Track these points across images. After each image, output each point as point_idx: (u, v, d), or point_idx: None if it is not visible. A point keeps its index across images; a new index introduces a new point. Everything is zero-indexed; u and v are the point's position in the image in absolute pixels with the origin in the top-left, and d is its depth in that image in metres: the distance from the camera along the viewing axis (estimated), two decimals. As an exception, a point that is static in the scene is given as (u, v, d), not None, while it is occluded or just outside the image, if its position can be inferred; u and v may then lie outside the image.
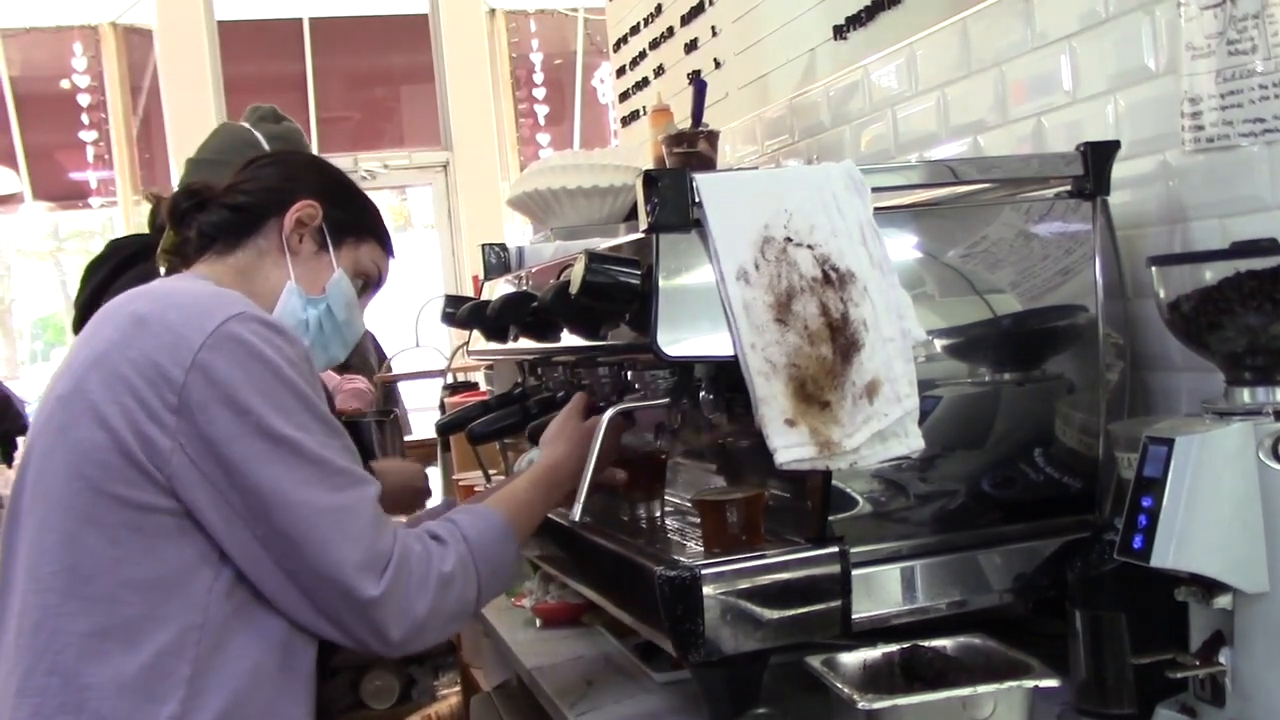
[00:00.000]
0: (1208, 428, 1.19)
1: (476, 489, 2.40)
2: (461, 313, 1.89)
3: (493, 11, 6.88)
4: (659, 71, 3.42)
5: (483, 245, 2.24)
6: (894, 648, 1.31)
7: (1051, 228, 1.51)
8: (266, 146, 2.30)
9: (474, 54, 6.67)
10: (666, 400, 1.49)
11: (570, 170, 2.46)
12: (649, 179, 1.33)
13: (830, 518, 1.36)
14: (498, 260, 2.20)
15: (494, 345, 1.93)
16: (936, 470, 1.43)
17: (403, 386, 4.33)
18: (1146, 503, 1.19)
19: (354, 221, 1.64)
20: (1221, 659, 1.21)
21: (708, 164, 2.35)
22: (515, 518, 1.48)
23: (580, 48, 6.78)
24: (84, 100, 6.82)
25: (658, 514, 1.67)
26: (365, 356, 3.85)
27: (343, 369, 2.75)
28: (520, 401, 1.84)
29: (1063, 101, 1.76)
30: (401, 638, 1.34)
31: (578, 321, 1.54)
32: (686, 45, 3.18)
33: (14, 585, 1.36)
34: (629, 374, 1.59)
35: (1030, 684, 1.18)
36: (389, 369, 4.07)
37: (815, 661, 1.27)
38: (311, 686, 1.44)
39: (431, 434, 3.19)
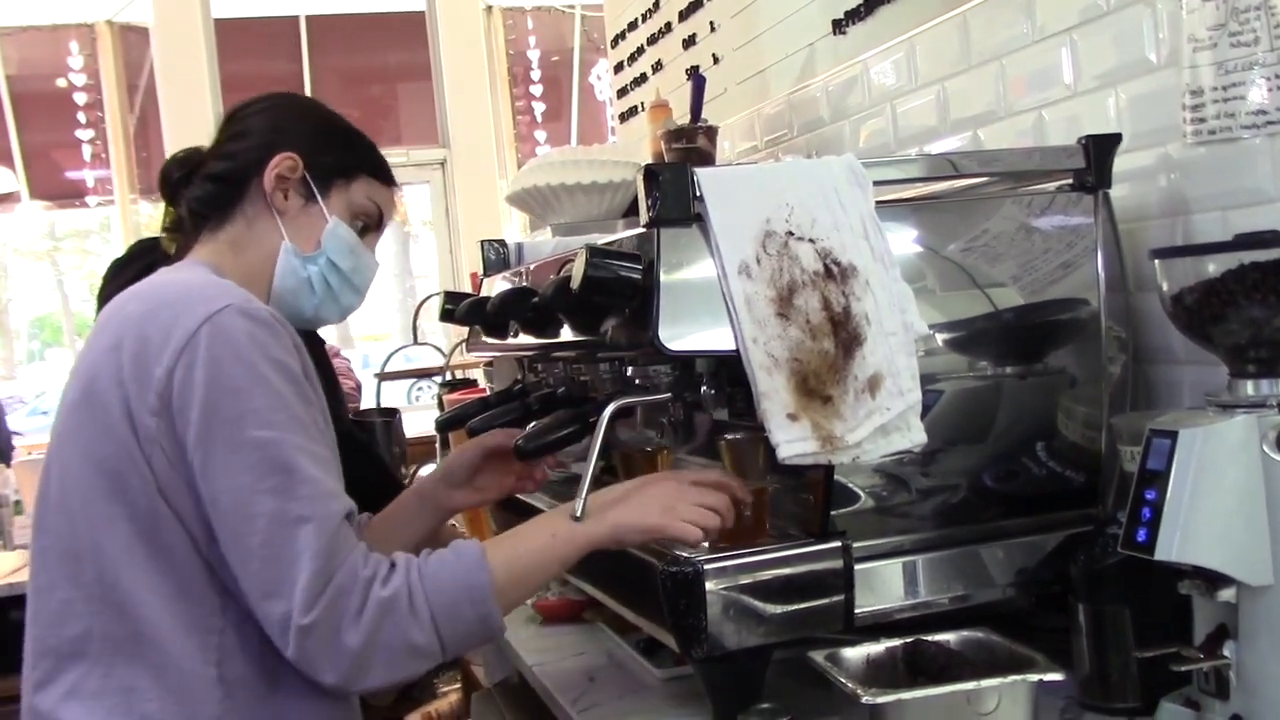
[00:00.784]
0: (1211, 420, 1.19)
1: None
2: (460, 310, 1.88)
3: (490, 8, 6.88)
4: (657, 67, 3.41)
5: (482, 241, 2.23)
6: (897, 642, 1.31)
7: (1053, 221, 1.51)
8: None
9: (471, 51, 6.67)
10: (668, 395, 1.48)
11: (569, 166, 2.46)
12: (650, 173, 1.33)
13: (832, 512, 1.36)
14: (497, 256, 2.19)
15: (494, 342, 1.92)
16: (939, 464, 1.43)
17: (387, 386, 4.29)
18: (1150, 496, 1.19)
19: (340, 163, 1.55)
20: (1225, 652, 1.21)
21: (706, 159, 2.35)
22: (497, 552, 1.34)
23: (578, 44, 6.77)
24: (80, 99, 6.81)
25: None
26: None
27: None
28: (520, 398, 1.83)
29: (1064, 94, 1.75)
30: (338, 675, 1.25)
31: (578, 317, 1.53)
32: (685, 41, 3.18)
33: (51, 594, 1.35)
34: (630, 369, 1.58)
35: (1034, 678, 1.17)
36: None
37: (818, 656, 1.27)
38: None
39: (431, 431, 3.18)
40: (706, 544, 1.35)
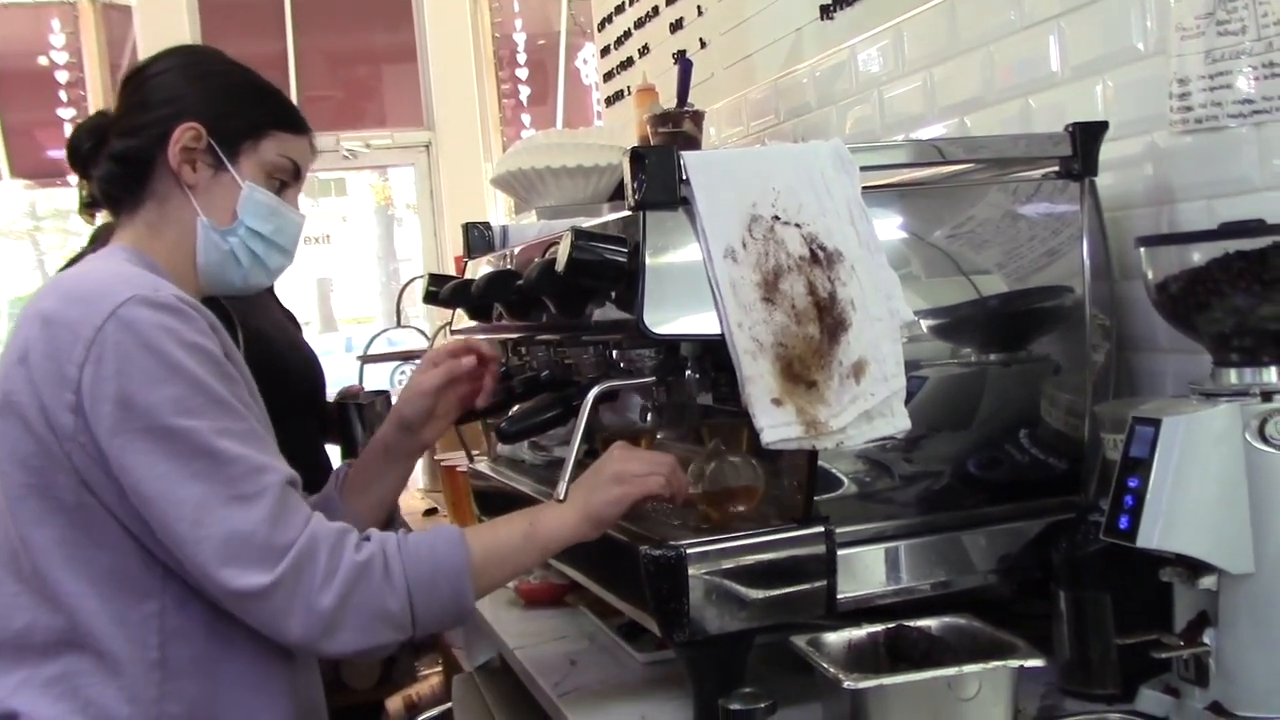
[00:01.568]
0: (1195, 408, 1.19)
1: (459, 469, 2.40)
2: (445, 292, 1.87)
3: (476, -10, 6.84)
4: (644, 51, 3.40)
5: (465, 224, 2.22)
6: (879, 628, 1.31)
7: (1039, 208, 1.50)
8: None
9: (457, 34, 6.63)
10: (652, 379, 1.47)
11: (554, 149, 2.45)
12: (636, 156, 1.32)
13: (816, 498, 1.35)
14: (481, 239, 2.18)
15: (477, 325, 1.92)
16: (922, 451, 1.43)
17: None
18: (1133, 483, 1.19)
19: (246, 123, 1.50)
20: (1205, 639, 1.22)
21: (693, 144, 2.34)
22: (477, 535, 1.39)
23: (564, 27, 6.74)
24: (62, 77, 6.75)
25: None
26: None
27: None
28: (503, 381, 1.82)
29: (1051, 82, 1.75)
30: (305, 633, 1.28)
31: (563, 300, 1.53)
32: (671, 25, 3.16)
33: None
34: (614, 353, 1.58)
35: (1015, 664, 1.17)
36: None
37: (800, 641, 1.27)
38: (289, 670, 1.44)
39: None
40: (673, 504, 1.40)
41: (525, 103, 6.81)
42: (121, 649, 1.32)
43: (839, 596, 1.35)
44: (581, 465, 1.47)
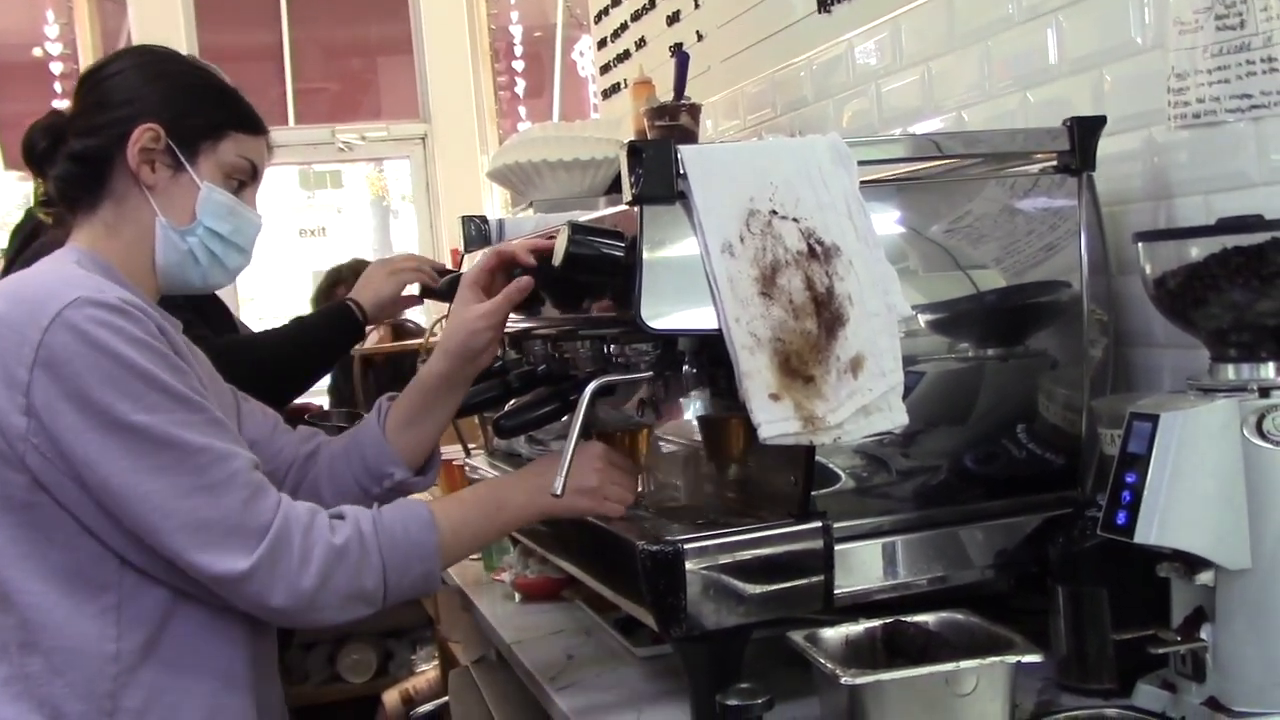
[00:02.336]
0: (1192, 404, 1.19)
1: (456, 464, 2.39)
2: (441, 285, 1.87)
3: (472, -18, 6.82)
4: (640, 44, 3.39)
5: (463, 218, 2.22)
6: (876, 623, 1.31)
7: (1036, 203, 1.50)
8: None
9: (453, 26, 6.61)
10: (650, 374, 1.47)
11: (551, 143, 2.45)
12: (633, 150, 1.32)
13: (813, 493, 1.35)
14: (478, 233, 2.17)
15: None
16: (920, 446, 1.43)
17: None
18: (1130, 479, 1.19)
19: (205, 124, 1.48)
20: (1202, 635, 1.22)
21: (689, 137, 2.34)
22: (446, 514, 1.44)
23: (560, 20, 6.73)
24: (56, 68, 6.72)
25: (640, 488, 1.66)
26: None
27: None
28: (501, 375, 1.82)
29: (1049, 76, 1.75)
30: (286, 604, 1.32)
31: (560, 294, 1.52)
32: (668, 18, 3.16)
33: None
34: (611, 347, 1.58)
35: (1012, 659, 1.17)
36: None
37: (797, 637, 1.27)
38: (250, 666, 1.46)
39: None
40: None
41: (521, 95, 6.79)
42: (77, 644, 1.33)
43: (836, 592, 1.35)
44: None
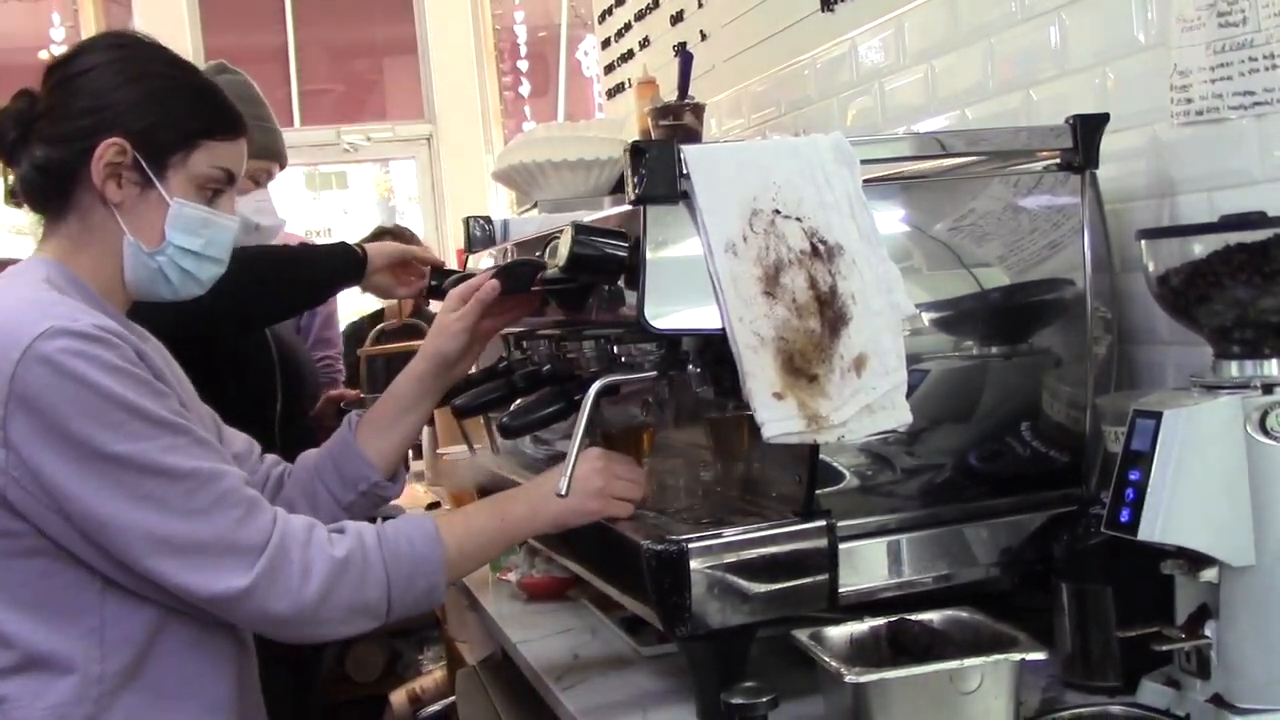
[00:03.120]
0: (1196, 401, 1.19)
1: (461, 463, 2.40)
2: (446, 286, 1.87)
3: (476, -17, 6.83)
4: (644, 44, 3.39)
5: (466, 218, 2.22)
6: (880, 621, 1.31)
7: (1040, 201, 1.50)
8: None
9: (457, 26, 6.62)
10: (654, 374, 1.48)
11: (555, 143, 2.45)
12: (636, 150, 1.32)
13: (817, 491, 1.35)
14: (482, 233, 2.18)
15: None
16: (923, 444, 1.43)
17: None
18: (1134, 476, 1.19)
19: (175, 135, 1.40)
20: (1207, 632, 1.22)
21: (693, 137, 2.34)
22: (451, 527, 1.43)
23: (565, 20, 6.73)
24: (63, 71, 6.74)
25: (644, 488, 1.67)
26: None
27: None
28: (505, 375, 1.82)
29: (1052, 74, 1.75)
30: (290, 616, 1.31)
31: (564, 294, 1.53)
32: (672, 17, 3.16)
33: None
34: (615, 347, 1.58)
35: (1017, 657, 1.17)
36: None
37: (802, 635, 1.27)
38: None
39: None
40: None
41: (526, 95, 6.80)
42: (59, 668, 1.31)
43: (841, 590, 1.35)
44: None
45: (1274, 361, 1.21)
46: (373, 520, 1.49)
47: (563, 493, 1.37)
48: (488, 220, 2.19)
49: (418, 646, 3.94)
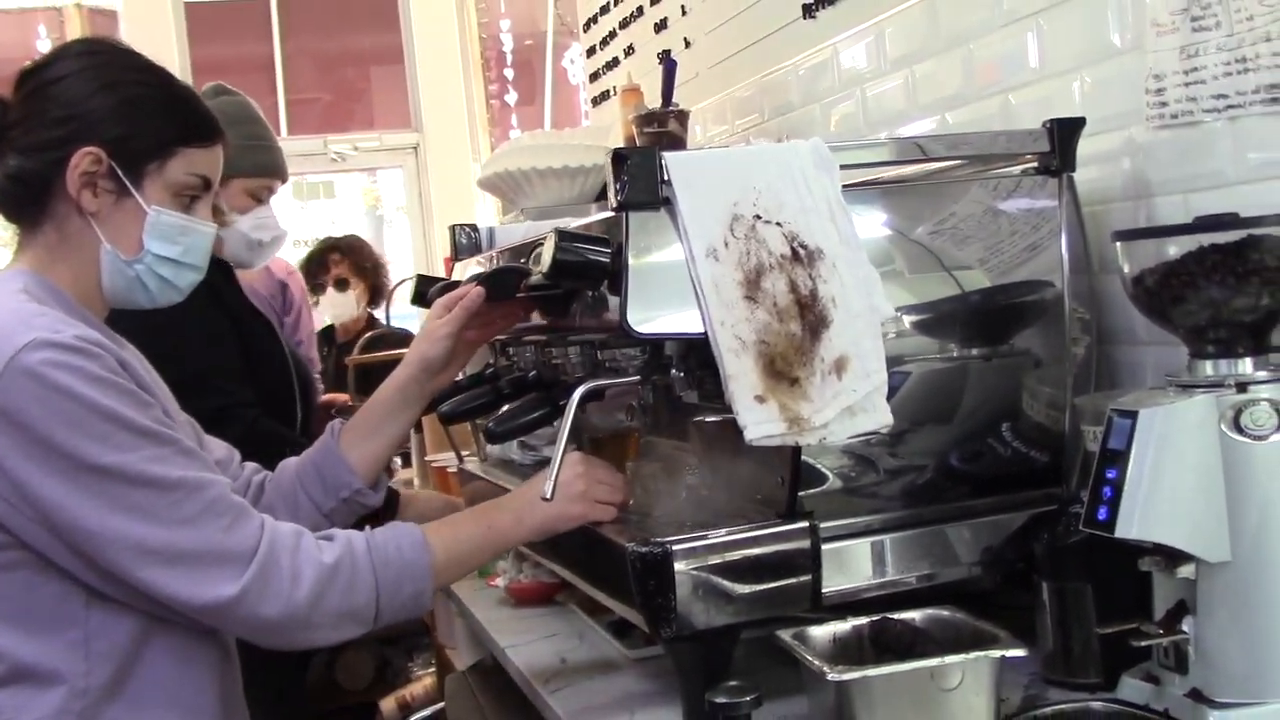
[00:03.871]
0: (1171, 400, 1.21)
1: (449, 470, 2.41)
2: (433, 294, 1.88)
3: (462, -8, 6.84)
4: (629, 51, 3.41)
5: (452, 226, 2.23)
6: (863, 621, 1.32)
7: (1018, 204, 1.52)
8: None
9: (444, 35, 6.63)
10: (637, 378, 1.49)
11: (541, 150, 2.46)
12: (618, 157, 1.33)
13: (800, 493, 1.37)
14: (469, 241, 2.19)
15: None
16: (905, 445, 1.44)
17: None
18: (1111, 475, 1.21)
19: (151, 143, 1.39)
20: (1184, 627, 1.23)
21: (678, 143, 2.36)
22: (438, 535, 1.44)
23: (550, 28, 6.75)
24: (49, 83, 6.73)
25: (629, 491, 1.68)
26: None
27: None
28: (492, 382, 1.84)
29: (1030, 78, 1.77)
30: (282, 620, 1.31)
31: (548, 300, 1.54)
32: (656, 25, 3.18)
33: None
34: (600, 353, 1.59)
35: (997, 654, 1.19)
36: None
37: (786, 635, 1.28)
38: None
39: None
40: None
41: (513, 103, 6.82)
42: (43, 680, 1.31)
43: (824, 590, 1.36)
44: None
45: (1248, 360, 1.22)
46: (360, 527, 1.50)
47: (547, 496, 1.38)
48: (474, 228, 2.21)
49: (407, 654, 3.94)
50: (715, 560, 1.32)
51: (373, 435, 1.66)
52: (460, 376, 1.78)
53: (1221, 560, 1.19)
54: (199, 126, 1.45)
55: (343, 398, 3.51)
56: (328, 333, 4.40)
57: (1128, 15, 1.57)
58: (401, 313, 4.21)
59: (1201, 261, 1.23)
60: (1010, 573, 1.47)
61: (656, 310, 1.32)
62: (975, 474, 1.48)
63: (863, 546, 1.42)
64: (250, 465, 1.70)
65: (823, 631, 1.31)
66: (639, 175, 1.33)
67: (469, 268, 2.07)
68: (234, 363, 2.24)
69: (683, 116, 2.41)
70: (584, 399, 1.44)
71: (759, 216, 1.33)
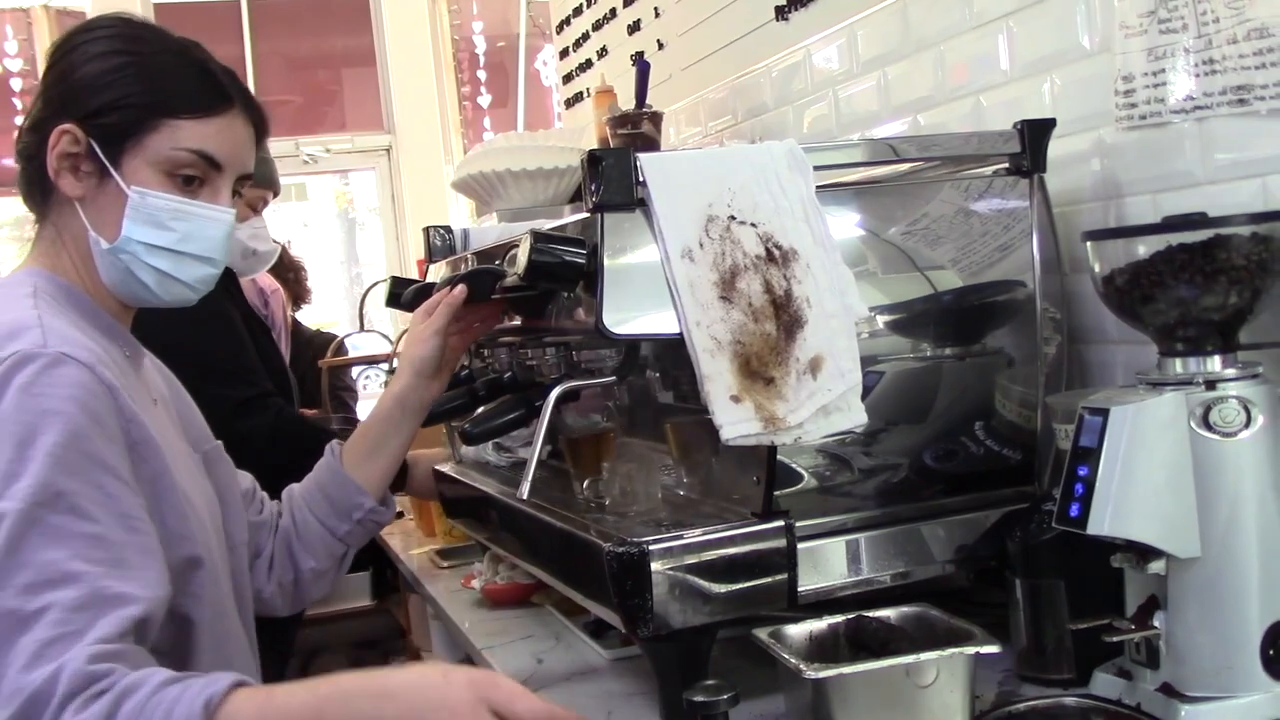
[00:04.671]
0: (1141, 397, 1.22)
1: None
2: (407, 295, 1.88)
3: (434, -7, 6.84)
4: (602, 53, 3.41)
5: (426, 228, 2.23)
6: (839, 619, 1.33)
7: (990, 205, 1.53)
8: None
9: (416, 37, 6.62)
10: (613, 379, 1.49)
11: (515, 152, 2.46)
12: (593, 159, 1.34)
13: (776, 493, 1.37)
14: (442, 243, 2.19)
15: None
16: (880, 444, 1.45)
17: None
18: (1083, 472, 1.22)
19: (126, 115, 1.28)
20: (1156, 623, 1.25)
21: (651, 145, 2.36)
22: (245, 702, 1.04)
23: (523, 30, 6.75)
24: (16, 85, 6.68)
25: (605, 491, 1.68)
26: None
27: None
28: (467, 383, 1.84)
29: (1001, 80, 1.78)
30: None
31: (524, 302, 1.54)
32: (629, 27, 3.18)
33: None
34: (575, 354, 1.60)
35: (971, 651, 1.20)
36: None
37: (762, 634, 1.29)
38: None
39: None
40: None
41: (486, 106, 6.81)
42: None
43: (800, 589, 1.37)
44: (544, 465, 1.49)
45: (1216, 358, 1.24)
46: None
47: (524, 496, 1.38)
48: (448, 229, 2.20)
49: (383, 657, 3.92)
50: (692, 560, 1.32)
51: (377, 451, 1.64)
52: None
53: (1192, 556, 1.20)
54: (190, 95, 1.30)
55: (311, 413, 3.50)
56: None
57: (1096, 17, 1.59)
58: (377, 315, 4.20)
59: (1170, 261, 1.24)
60: (984, 570, 1.48)
61: (632, 311, 1.32)
62: (949, 472, 1.49)
63: (838, 545, 1.43)
64: (271, 504, 1.66)
65: (799, 630, 1.32)
66: (614, 176, 1.33)
67: (442, 270, 2.07)
68: (255, 357, 2.27)
69: (656, 118, 2.41)
70: (560, 400, 1.45)
71: (734, 217, 1.34)
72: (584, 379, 1.51)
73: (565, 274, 1.36)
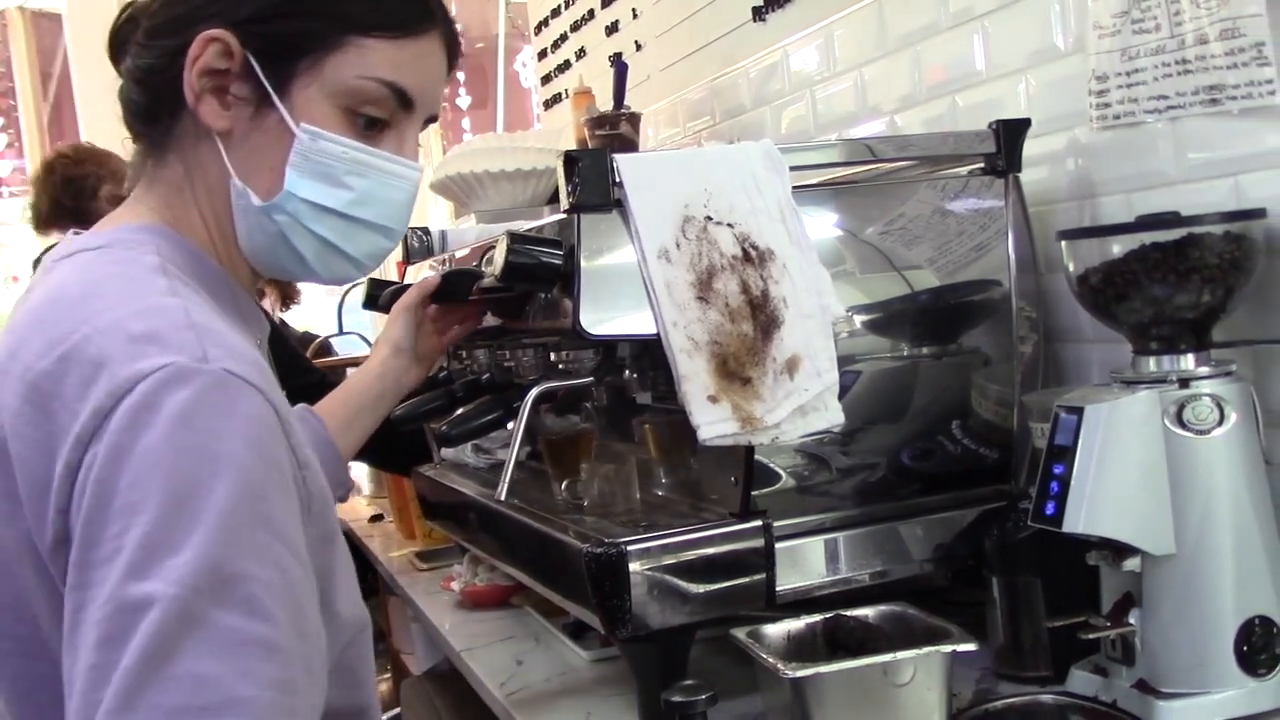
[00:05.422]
0: (1116, 396, 1.23)
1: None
2: (385, 297, 1.87)
3: (413, -6, 6.81)
4: (580, 54, 3.41)
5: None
6: (817, 618, 1.33)
7: (966, 204, 1.54)
8: None
9: (395, 38, 6.60)
10: (591, 380, 1.49)
11: (493, 153, 2.46)
12: (569, 159, 1.34)
13: (753, 492, 1.38)
14: (421, 244, 2.18)
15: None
16: (857, 444, 1.46)
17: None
18: (1058, 470, 1.23)
19: (305, 25, 0.97)
20: (1131, 620, 1.25)
21: (630, 146, 2.37)
22: None
23: (502, 31, 6.74)
24: (-8, 86, 6.65)
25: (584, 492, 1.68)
26: None
27: None
28: (445, 385, 1.83)
29: (976, 80, 1.79)
30: None
31: (501, 303, 1.54)
32: (607, 28, 3.18)
33: None
34: (553, 354, 1.59)
35: (948, 649, 1.20)
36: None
37: (740, 634, 1.29)
38: None
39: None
40: None
41: (465, 107, 6.80)
42: None
43: (778, 589, 1.37)
44: (522, 466, 1.49)
45: (1190, 356, 1.25)
46: None
47: (502, 498, 1.38)
48: (426, 231, 2.20)
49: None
50: (670, 560, 1.32)
51: (350, 426, 1.59)
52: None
53: (1166, 553, 1.21)
54: (387, 6, 0.99)
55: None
56: None
57: (1070, 18, 1.60)
58: (354, 317, 4.19)
59: (1144, 260, 1.25)
60: (962, 568, 1.49)
61: (609, 312, 1.32)
62: (926, 471, 1.50)
63: (816, 545, 1.43)
64: None
65: (777, 630, 1.32)
66: (591, 177, 1.33)
67: (421, 271, 2.06)
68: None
69: (634, 119, 2.41)
70: (538, 401, 1.44)
71: (710, 218, 1.34)
72: (562, 380, 1.51)
73: (542, 275, 1.36)
